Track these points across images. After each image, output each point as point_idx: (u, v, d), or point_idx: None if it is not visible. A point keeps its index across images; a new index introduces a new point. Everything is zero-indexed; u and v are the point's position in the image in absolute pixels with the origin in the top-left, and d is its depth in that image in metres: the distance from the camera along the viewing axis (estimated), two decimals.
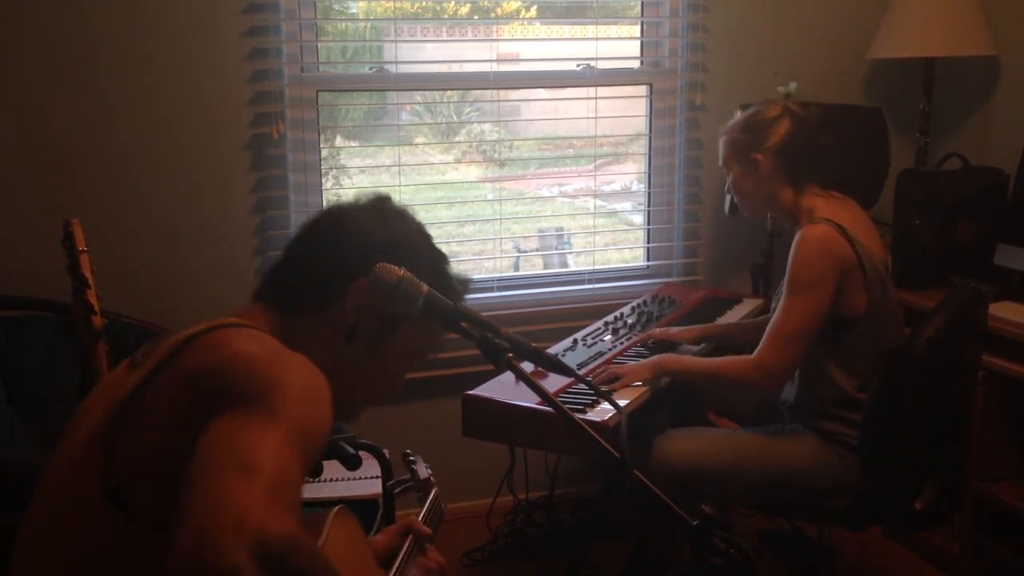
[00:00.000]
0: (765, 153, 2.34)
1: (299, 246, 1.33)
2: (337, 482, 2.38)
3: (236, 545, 0.80)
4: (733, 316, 2.97)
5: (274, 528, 0.83)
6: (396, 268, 1.23)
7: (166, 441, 1.02)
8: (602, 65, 3.31)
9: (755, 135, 2.36)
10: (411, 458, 1.93)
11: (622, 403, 2.23)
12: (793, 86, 2.42)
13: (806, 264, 2.22)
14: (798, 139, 2.34)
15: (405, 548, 1.58)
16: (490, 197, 3.39)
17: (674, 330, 2.68)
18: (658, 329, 2.71)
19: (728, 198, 3.14)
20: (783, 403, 2.46)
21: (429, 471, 1.91)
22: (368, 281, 1.23)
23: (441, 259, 1.35)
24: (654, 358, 2.41)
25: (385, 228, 1.30)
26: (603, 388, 2.29)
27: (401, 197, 3.16)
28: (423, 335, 1.33)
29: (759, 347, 2.25)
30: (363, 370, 1.29)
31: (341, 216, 1.33)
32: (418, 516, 1.75)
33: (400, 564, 1.53)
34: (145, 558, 0.99)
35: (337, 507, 1.31)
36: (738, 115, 2.48)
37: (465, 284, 1.37)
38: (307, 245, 1.32)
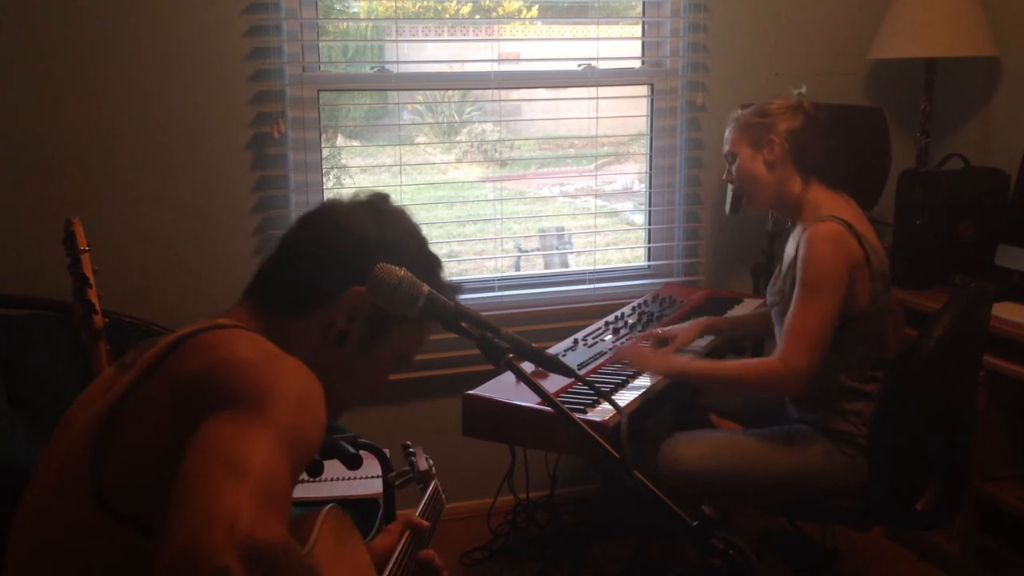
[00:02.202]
0: (779, 135, 2.36)
1: (293, 244, 1.30)
2: (338, 481, 2.38)
3: (226, 548, 0.80)
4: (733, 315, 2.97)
5: (264, 534, 0.82)
6: (396, 268, 1.22)
7: (157, 445, 1.00)
8: (603, 65, 3.31)
9: (771, 119, 2.38)
10: (410, 450, 1.91)
11: (622, 403, 2.23)
12: (803, 89, 2.46)
13: (821, 262, 2.21)
14: (810, 130, 2.37)
15: (401, 544, 1.56)
16: (491, 197, 3.39)
17: (675, 329, 2.68)
18: (660, 329, 2.70)
19: (729, 197, 3.14)
20: (790, 401, 2.46)
21: (430, 462, 1.90)
22: (366, 285, 1.21)
23: (436, 264, 1.33)
24: (674, 361, 2.41)
25: (382, 230, 1.27)
26: (603, 388, 2.30)
27: (402, 197, 3.17)
28: (410, 338, 1.31)
29: (782, 349, 2.22)
30: (350, 373, 1.27)
31: (337, 215, 1.30)
32: (418, 509, 1.74)
33: (396, 561, 1.52)
34: (136, 562, 0.98)
35: (328, 506, 1.29)
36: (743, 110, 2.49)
37: (456, 290, 1.35)
38: (301, 244, 1.29)
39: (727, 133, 2.47)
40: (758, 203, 2.46)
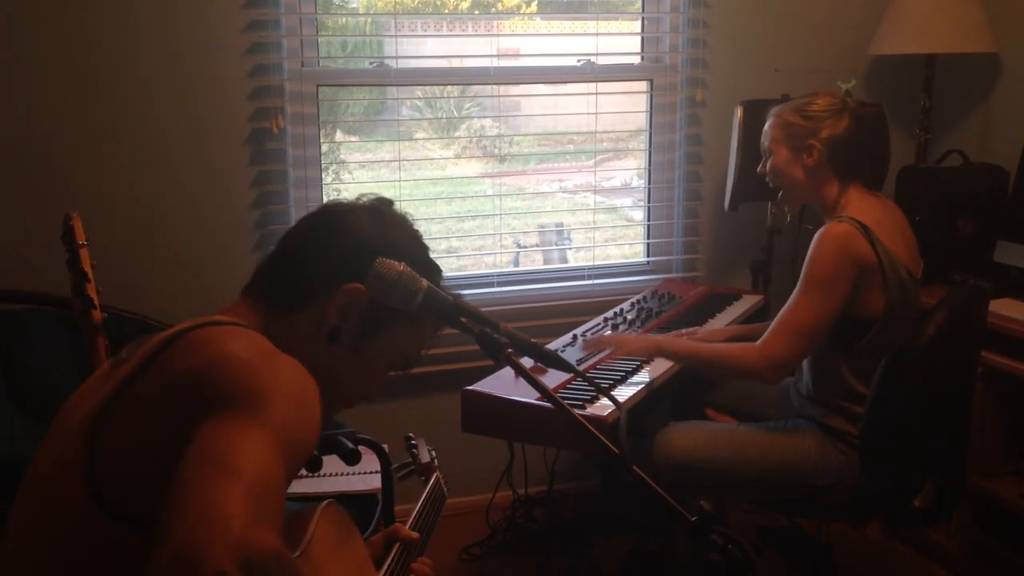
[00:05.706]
0: (820, 142, 2.31)
1: (293, 242, 1.31)
2: (336, 477, 2.38)
3: (221, 552, 0.79)
4: (733, 312, 2.97)
5: (258, 540, 0.82)
6: (396, 263, 1.22)
7: (151, 441, 1.00)
8: (603, 60, 3.31)
9: (815, 123, 2.32)
10: (412, 442, 1.91)
11: (621, 399, 2.23)
12: (853, 83, 2.40)
13: (823, 261, 2.20)
14: (854, 137, 2.31)
15: (390, 560, 1.52)
16: (490, 192, 3.39)
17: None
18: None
19: (728, 194, 3.14)
20: (798, 393, 2.46)
21: (432, 454, 1.89)
22: (366, 279, 1.21)
23: (435, 271, 1.32)
24: (655, 337, 2.41)
25: (382, 233, 1.27)
26: (600, 381, 2.30)
27: (401, 192, 3.17)
28: (404, 339, 1.30)
29: (767, 336, 2.24)
30: (342, 372, 1.26)
31: (338, 216, 1.30)
32: (419, 502, 1.72)
33: None
34: (129, 559, 0.98)
35: (326, 502, 1.28)
36: (792, 100, 2.43)
37: (457, 296, 1.33)
38: (301, 242, 1.30)
39: (766, 126, 2.42)
40: (792, 202, 2.44)
